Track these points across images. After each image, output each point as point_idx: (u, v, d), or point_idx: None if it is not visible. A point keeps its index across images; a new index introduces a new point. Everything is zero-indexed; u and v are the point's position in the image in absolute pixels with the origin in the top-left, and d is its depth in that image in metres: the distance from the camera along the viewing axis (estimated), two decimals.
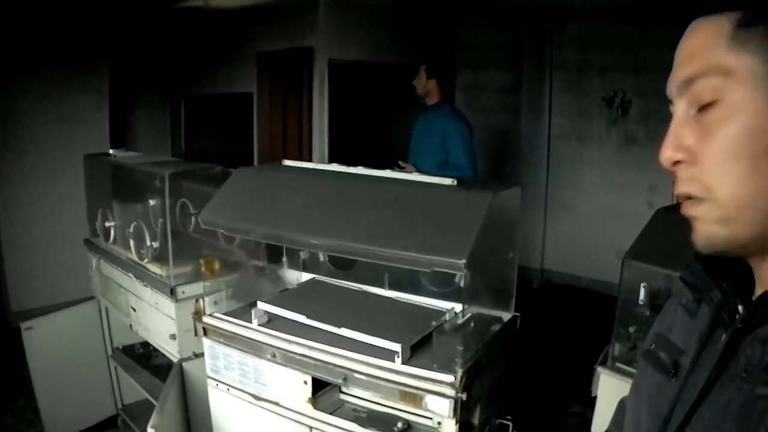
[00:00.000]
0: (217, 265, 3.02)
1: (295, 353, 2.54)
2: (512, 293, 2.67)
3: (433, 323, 2.55)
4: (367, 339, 2.41)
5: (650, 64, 6.30)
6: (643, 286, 2.49)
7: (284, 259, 3.30)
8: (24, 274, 6.11)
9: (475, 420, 2.40)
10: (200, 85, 8.07)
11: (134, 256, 3.53)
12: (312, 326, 2.60)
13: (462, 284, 2.43)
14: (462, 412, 2.19)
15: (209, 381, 2.96)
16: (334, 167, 2.85)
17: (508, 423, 2.61)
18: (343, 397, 2.62)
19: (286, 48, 6.51)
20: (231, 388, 2.86)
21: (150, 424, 2.71)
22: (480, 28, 7.60)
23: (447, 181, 2.44)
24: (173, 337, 3.22)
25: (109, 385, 4.41)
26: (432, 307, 2.78)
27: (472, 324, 2.43)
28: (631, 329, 2.53)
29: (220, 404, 2.97)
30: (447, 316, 2.62)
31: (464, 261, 2.04)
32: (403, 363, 2.29)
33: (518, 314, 2.68)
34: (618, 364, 2.48)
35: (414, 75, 5.06)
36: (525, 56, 7.27)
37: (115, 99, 6.89)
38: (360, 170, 2.74)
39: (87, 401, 4.31)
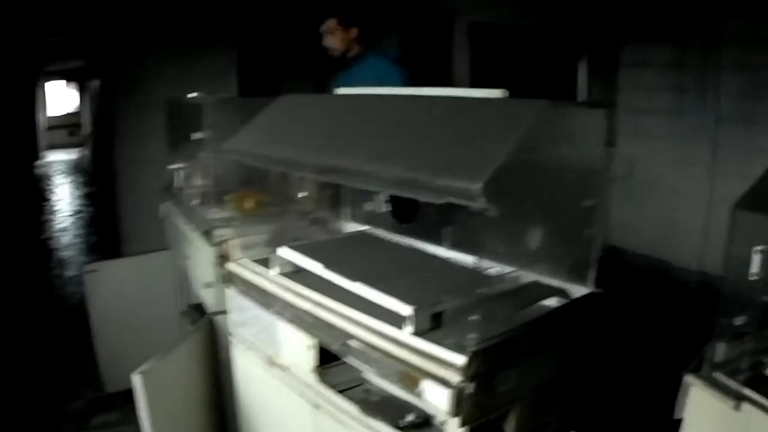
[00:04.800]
0: (251, 203, 2.56)
1: (300, 309, 2.03)
2: (590, 261, 1.98)
3: (474, 291, 1.90)
4: (378, 298, 1.84)
5: None
6: (759, 252, 1.52)
7: (347, 210, 2.79)
8: (134, 224, 6.07)
9: (510, 428, 1.77)
10: None
11: (189, 198, 3.15)
12: (328, 279, 2.07)
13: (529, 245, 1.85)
14: (472, 411, 1.56)
15: (230, 337, 2.52)
16: (388, 90, 2.29)
17: None
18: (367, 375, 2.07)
19: (427, 11, 5.95)
20: (250, 348, 2.40)
21: (138, 369, 2.32)
22: None
23: (495, 92, 1.82)
24: (209, 285, 2.78)
25: None
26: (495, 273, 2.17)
27: (515, 294, 1.82)
28: (738, 321, 1.61)
29: (240, 364, 2.53)
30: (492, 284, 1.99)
31: (480, 186, 1.42)
32: (415, 333, 1.70)
33: (599, 290, 1.98)
34: (717, 375, 1.55)
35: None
36: (692, 28, 6.26)
37: (255, 68, 6.74)
38: (409, 90, 2.17)
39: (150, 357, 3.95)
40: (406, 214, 2.58)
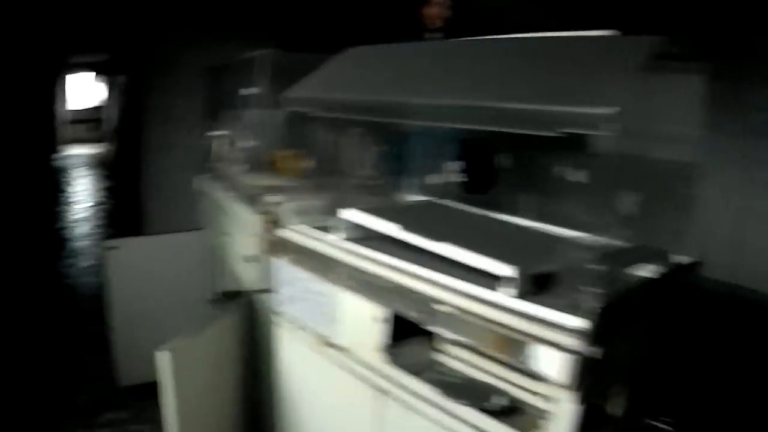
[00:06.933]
0: (301, 164, 2.37)
1: (372, 276, 1.83)
2: (687, 228, 1.83)
3: (573, 254, 1.70)
4: (472, 259, 1.64)
5: None
6: None
7: (410, 180, 2.59)
8: (159, 211, 6.01)
9: (617, 410, 1.56)
10: None
11: (231, 166, 2.96)
12: (406, 243, 1.86)
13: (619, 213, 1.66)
14: (593, 382, 1.36)
15: (273, 316, 2.32)
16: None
17: (668, 429, 1.75)
18: (436, 356, 1.86)
19: None
20: (298, 327, 2.20)
21: (166, 345, 2.11)
22: None
23: (604, 32, 1.64)
24: (251, 259, 2.58)
25: None
26: (578, 239, 1.97)
27: (621, 256, 1.62)
28: None
29: (285, 347, 2.32)
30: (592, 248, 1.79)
31: (614, 111, 1.23)
32: (517, 297, 1.50)
33: (699, 261, 1.83)
34: None
35: None
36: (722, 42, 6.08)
37: None
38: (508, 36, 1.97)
39: None
40: (481, 184, 2.39)
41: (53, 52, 8.61)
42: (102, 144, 15.02)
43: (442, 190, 2.49)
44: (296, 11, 6.35)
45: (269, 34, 6.09)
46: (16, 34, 5.91)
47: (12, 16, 5.59)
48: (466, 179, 2.44)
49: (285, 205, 2.26)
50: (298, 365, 2.28)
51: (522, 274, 1.50)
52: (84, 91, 17.09)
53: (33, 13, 6.08)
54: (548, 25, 1.95)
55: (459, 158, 2.47)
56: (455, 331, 1.59)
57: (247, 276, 2.68)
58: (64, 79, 14.16)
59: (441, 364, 1.84)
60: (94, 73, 16.47)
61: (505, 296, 1.50)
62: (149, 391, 3.31)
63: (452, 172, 2.45)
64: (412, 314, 1.69)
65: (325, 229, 2.12)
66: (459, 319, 1.56)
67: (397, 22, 4.13)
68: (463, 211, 2.30)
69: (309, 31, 6.11)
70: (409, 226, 1.86)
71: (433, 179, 2.51)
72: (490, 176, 2.29)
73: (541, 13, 5.64)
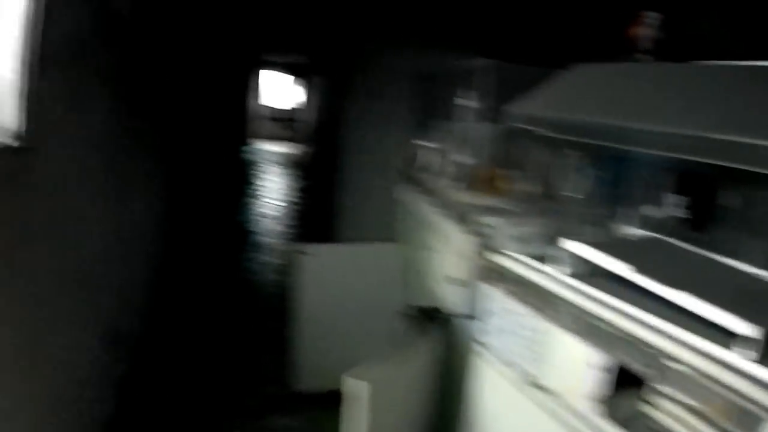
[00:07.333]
0: (521, 184, 2.39)
1: (595, 315, 1.82)
2: None
3: None
4: (710, 312, 1.57)
5: None
6: None
7: (626, 211, 2.54)
8: (350, 216, 6.22)
9: None
10: None
11: (439, 179, 3.02)
12: (635, 286, 1.82)
13: None
14: None
15: (474, 345, 2.35)
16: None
17: None
18: (644, 408, 1.81)
19: None
20: (502, 361, 2.22)
21: (363, 373, 2.18)
22: None
23: None
24: (458, 283, 2.63)
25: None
26: None
27: None
28: None
29: (485, 381, 2.34)
30: None
31: None
32: (756, 360, 1.44)
33: None
34: None
35: None
36: None
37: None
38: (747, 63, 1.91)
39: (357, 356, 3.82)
40: (705, 222, 2.31)
41: (252, 51, 8.98)
42: (297, 144, 15.80)
43: (661, 225, 2.42)
44: (505, 22, 6.34)
45: (479, 44, 6.18)
46: (218, 29, 6.22)
47: (215, 11, 5.90)
48: (689, 215, 2.37)
49: (503, 228, 2.28)
50: (496, 401, 2.28)
51: (765, 334, 1.46)
52: (284, 91, 18.40)
53: (236, 11, 6.38)
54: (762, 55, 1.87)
55: (681, 192, 2.40)
56: (685, 392, 1.56)
57: (448, 297, 2.72)
58: (261, 77, 15.11)
59: (650, 419, 1.80)
60: (294, 76, 17.57)
61: (741, 357, 1.46)
62: (322, 399, 3.44)
63: (674, 206, 2.38)
64: (639, 368, 1.67)
65: (541, 258, 2.12)
66: (692, 380, 1.53)
67: (603, 41, 4.06)
68: (689, 253, 2.22)
69: (517, 43, 6.11)
70: (642, 268, 1.83)
71: (651, 212, 2.45)
72: (715, 214, 2.22)
73: (755, 44, 5.34)
